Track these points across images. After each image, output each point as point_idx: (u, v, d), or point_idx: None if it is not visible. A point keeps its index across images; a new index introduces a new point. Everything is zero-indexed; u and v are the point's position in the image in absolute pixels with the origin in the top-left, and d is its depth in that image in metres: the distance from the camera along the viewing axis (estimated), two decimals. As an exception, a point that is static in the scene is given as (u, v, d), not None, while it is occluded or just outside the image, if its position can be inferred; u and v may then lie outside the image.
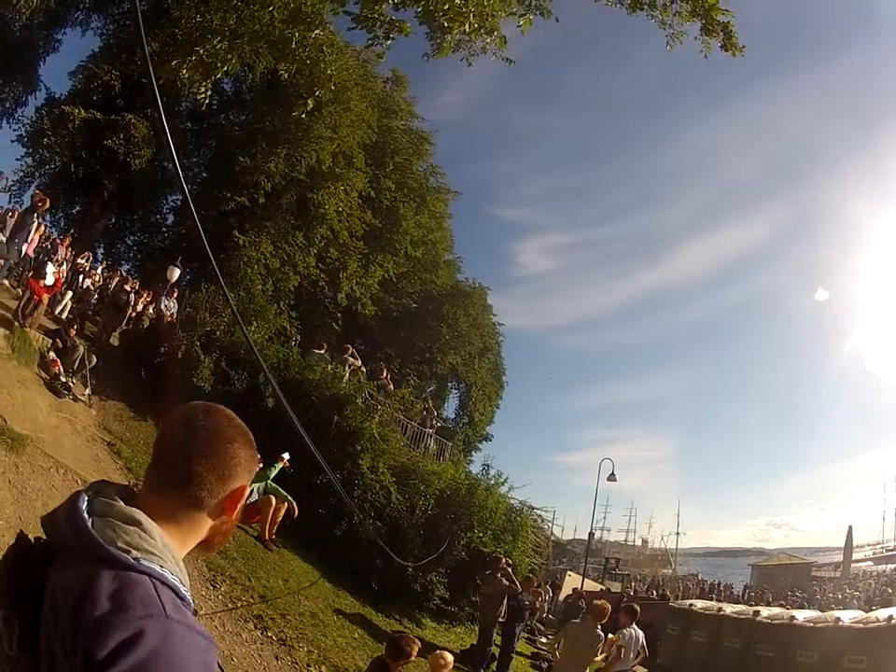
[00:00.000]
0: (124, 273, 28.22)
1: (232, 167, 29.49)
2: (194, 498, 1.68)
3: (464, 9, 8.10)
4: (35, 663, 1.46)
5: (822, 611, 20.95)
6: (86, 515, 1.55)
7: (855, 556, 60.80)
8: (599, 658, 11.40)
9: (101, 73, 30.28)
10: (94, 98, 30.63)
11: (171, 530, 1.65)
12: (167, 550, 1.59)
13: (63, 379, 15.10)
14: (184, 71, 9.05)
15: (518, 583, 16.25)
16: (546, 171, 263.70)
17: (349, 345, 23.83)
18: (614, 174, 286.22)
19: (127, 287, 23.14)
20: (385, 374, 24.74)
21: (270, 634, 10.07)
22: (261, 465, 14.06)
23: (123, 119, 28.80)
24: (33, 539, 1.63)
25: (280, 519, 14.74)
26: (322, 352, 21.70)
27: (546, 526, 29.96)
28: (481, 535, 18.43)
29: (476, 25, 8.31)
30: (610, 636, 11.79)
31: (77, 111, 28.38)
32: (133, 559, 1.50)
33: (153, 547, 1.55)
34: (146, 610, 1.43)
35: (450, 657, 9.31)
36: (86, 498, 1.60)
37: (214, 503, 1.71)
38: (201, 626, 1.53)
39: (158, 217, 36.89)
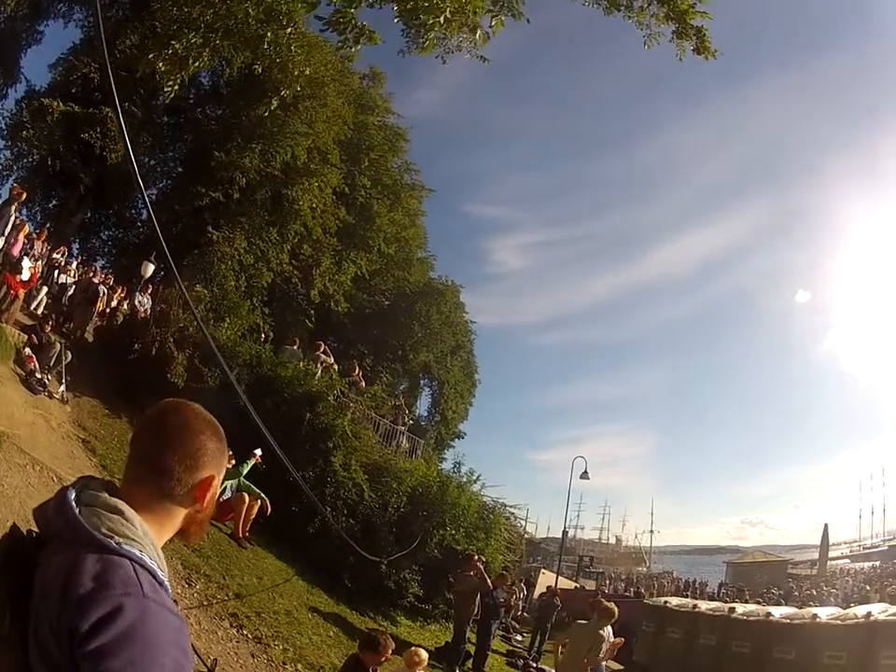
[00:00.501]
0: (99, 269, 28.02)
1: (208, 162, 29.40)
2: (165, 489, 1.79)
3: (444, 7, 8.08)
4: (25, 645, 1.54)
5: (799, 608, 21.04)
6: (74, 504, 1.65)
7: (831, 554, 61.19)
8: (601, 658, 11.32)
9: (80, 65, 30.19)
10: (73, 91, 30.47)
11: (148, 520, 1.74)
12: (147, 537, 1.69)
13: (39, 375, 14.98)
14: (160, 64, 8.99)
15: (492, 581, 16.31)
16: (520, 169, 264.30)
17: (321, 342, 23.83)
18: (589, 173, 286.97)
19: (96, 280, 23.01)
20: (357, 371, 24.74)
21: (245, 632, 10.06)
22: (233, 462, 14.03)
23: (100, 112, 28.62)
24: (25, 531, 1.71)
25: (253, 516, 14.70)
26: (294, 348, 21.68)
27: (519, 524, 30.08)
28: (453, 532, 18.45)
29: (459, 23, 8.29)
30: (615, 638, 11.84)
31: (55, 104, 28.26)
32: (116, 543, 1.61)
33: (134, 534, 1.66)
34: (125, 589, 1.53)
35: (425, 654, 9.34)
36: (74, 491, 1.70)
37: (184, 492, 1.82)
38: (175, 608, 1.64)
39: (133, 212, 36.51)
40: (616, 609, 11.68)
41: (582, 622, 12.03)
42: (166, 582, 1.68)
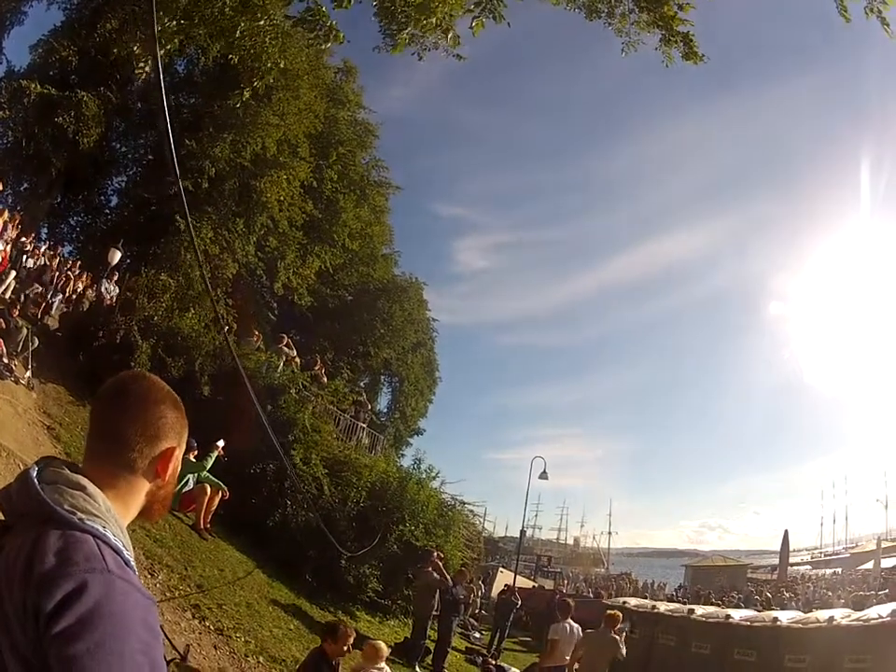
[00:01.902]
0: (65, 255, 27.81)
1: (179, 150, 28.80)
2: (126, 461, 1.76)
3: (422, 6, 8.06)
4: None
5: (759, 612, 21.23)
6: (37, 482, 1.62)
7: (791, 560, 61.74)
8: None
9: (60, 48, 29.81)
10: (51, 73, 30.05)
11: (111, 496, 1.70)
12: (110, 514, 1.65)
13: (6, 360, 14.85)
14: (135, 48, 8.95)
15: (451, 576, 16.36)
16: (489, 171, 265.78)
17: (284, 335, 23.79)
18: (558, 177, 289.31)
19: (54, 265, 22.88)
20: (318, 366, 24.76)
21: (208, 623, 10.00)
22: (196, 454, 13.97)
23: (76, 96, 28.36)
24: None
25: (214, 508, 14.64)
26: (254, 339, 21.61)
27: (478, 522, 30.05)
28: (412, 528, 18.47)
29: (433, 23, 8.28)
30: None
31: (33, 86, 27.86)
32: (78, 519, 1.56)
33: (97, 510, 1.62)
34: (88, 565, 1.48)
35: (384, 647, 9.36)
36: (36, 469, 1.68)
37: (146, 465, 1.79)
38: (143, 587, 1.58)
39: (102, 198, 36.27)
40: (620, 616, 12.24)
41: (591, 630, 12.60)
42: (132, 562, 1.64)
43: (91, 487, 1.65)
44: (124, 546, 1.63)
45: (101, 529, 1.58)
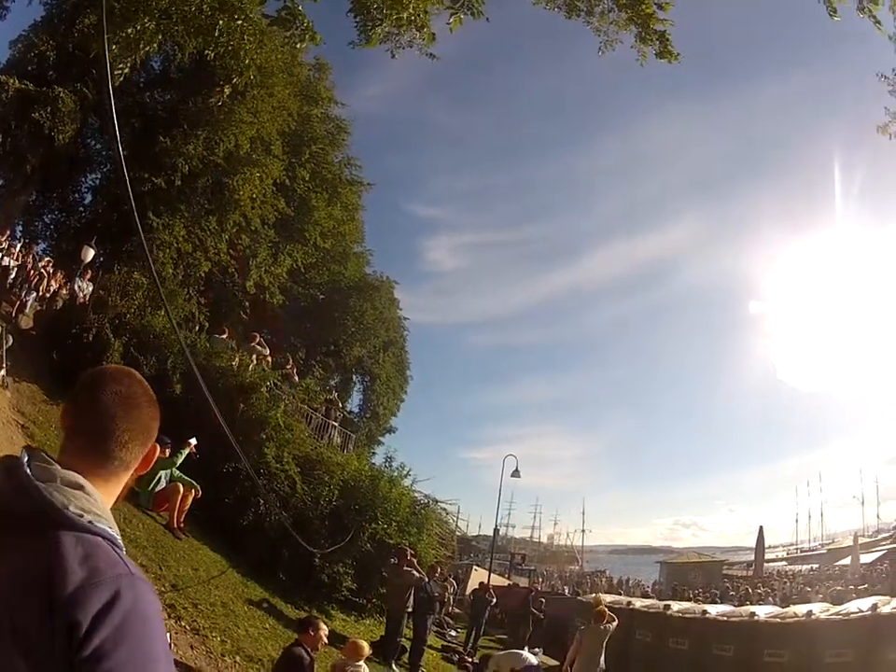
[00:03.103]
0: (39, 253, 27.62)
1: (152, 147, 28.91)
2: (119, 460, 1.77)
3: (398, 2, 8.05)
4: None
5: (736, 608, 21.35)
6: (35, 481, 1.56)
7: (767, 556, 62.12)
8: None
9: (39, 43, 29.65)
10: (29, 69, 29.83)
11: (102, 492, 1.70)
12: (108, 512, 1.65)
13: (-19, 359, 14.74)
14: (114, 47, 8.88)
15: (423, 571, 16.42)
16: (462, 170, 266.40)
17: (257, 333, 23.76)
18: (532, 176, 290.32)
19: (28, 263, 22.77)
20: (290, 364, 24.76)
21: (183, 623, 9.96)
22: (169, 452, 13.91)
23: (53, 91, 28.15)
24: None
25: (188, 507, 14.57)
26: (225, 337, 21.55)
27: (451, 520, 30.11)
28: (385, 527, 18.48)
29: (406, 18, 8.26)
30: None
31: (11, 81, 27.59)
32: (88, 522, 1.54)
33: (100, 510, 1.61)
34: (114, 571, 1.49)
35: (366, 645, 9.41)
36: (25, 463, 1.61)
37: (137, 462, 1.83)
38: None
39: (76, 195, 35.92)
40: (607, 610, 12.98)
41: (583, 627, 13.95)
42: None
43: (88, 486, 1.63)
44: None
45: (109, 531, 1.59)
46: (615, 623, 13.50)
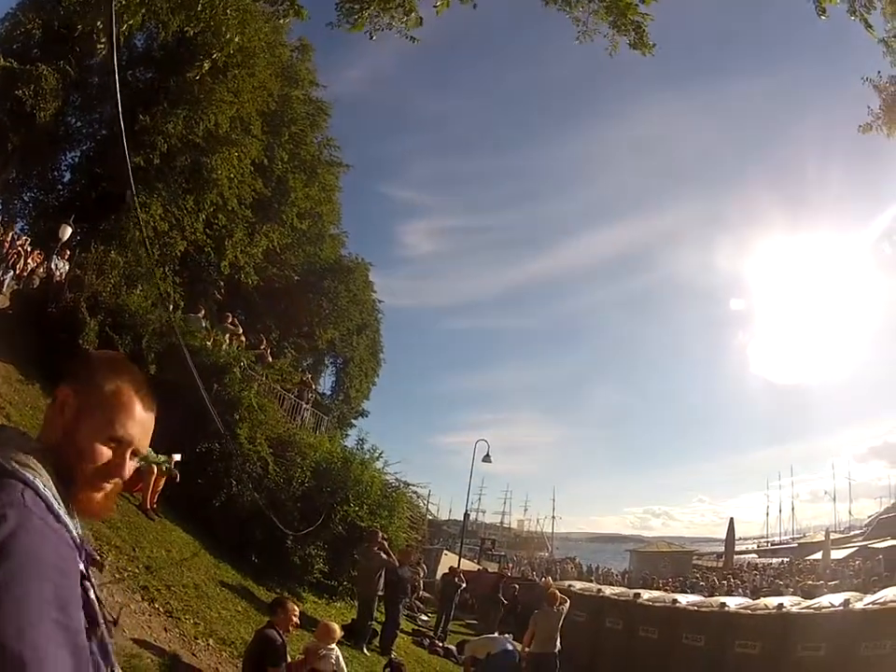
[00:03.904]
0: (17, 232, 27.32)
1: (132, 125, 28.47)
2: None
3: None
4: None
5: (706, 598, 21.51)
6: None
7: (738, 548, 62.61)
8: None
9: (25, 21, 29.57)
10: (14, 47, 29.71)
11: None
12: (40, 468, 1.63)
13: (-43, 338, 14.65)
14: (98, 23, 8.81)
15: (397, 556, 16.48)
16: (441, 154, 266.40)
17: (230, 314, 23.69)
18: (510, 163, 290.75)
19: (6, 241, 22.56)
20: (264, 345, 24.71)
21: (157, 605, 9.92)
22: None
23: (36, 69, 28.00)
24: None
25: (161, 488, 14.51)
26: (200, 316, 21.48)
27: (422, 504, 30.14)
28: (357, 509, 18.44)
29: (397, 2, 8.21)
30: None
31: (-4, 59, 27.31)
32: (11, 468, 1.56)
33: (34, 465, 1.62)
34: (8, 499, 1.48)
35: (337, 628, 9.45)
36: None
37: None
38: (68, 538, 1.59)
39: (55, 173, 35.61)
40: (558, 593, 13.31)
41: (538, 611, 14.20)
42: (65, 518, 1.61)
43: (41, 453, 1.66)
44: (56, 500, 1.62)
45: (31, 478, 1.58)
46: (567, 605, 13.89)
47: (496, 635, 14.58)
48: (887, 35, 8.98)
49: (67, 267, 21.04)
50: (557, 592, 14.38)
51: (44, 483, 1.61)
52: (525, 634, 13.97)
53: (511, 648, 13.12)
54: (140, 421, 1.89)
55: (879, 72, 10.37)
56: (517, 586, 25.93)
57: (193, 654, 9.41)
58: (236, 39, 9.92)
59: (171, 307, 23.75)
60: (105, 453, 1.82)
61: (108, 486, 1.86)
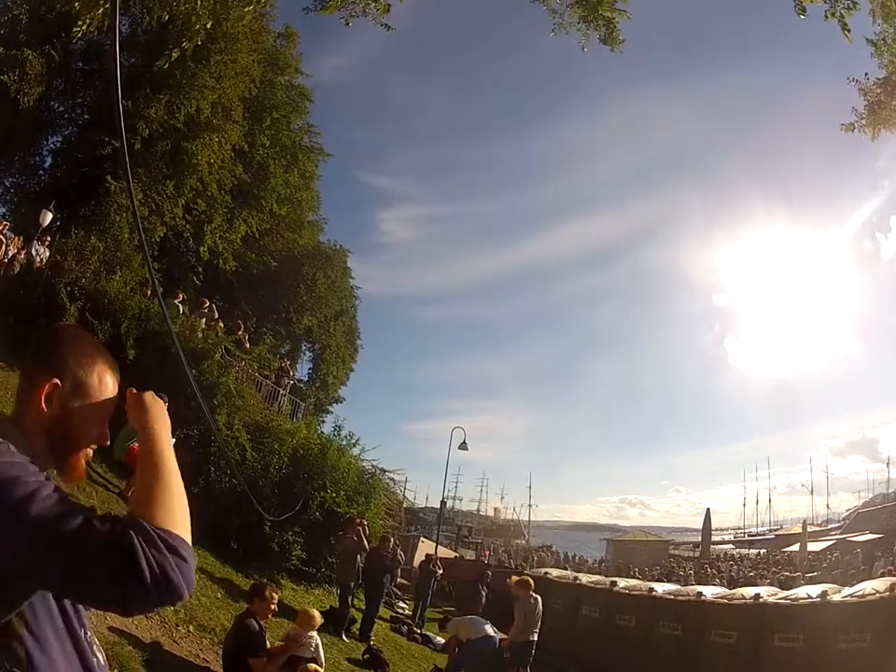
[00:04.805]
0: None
1: (115, 110, 28.22)
2: None
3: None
4: None
5: (682, 587, 21.63)
6: None
7: (714, 539, 62.98)
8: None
9: (13, 6, 29.30)
10: (2, 32, 29.49)
11: None
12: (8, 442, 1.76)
13: (-64, 325, 14.56)
14: (76, 4, 8.76)
15: (375, 543, 16.55)
16: (421, 143, 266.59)
17: (207, 300, 23.67)
18: (491, 153, 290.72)
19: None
20: (241, 331, 24.69)
21: (138, 593, 9.90)
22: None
23: (22, 54, 27.81)
24: None
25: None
26: (177, 301, 21.45)
27: (398, 490, 30.24)
28: (334, 495, 18.55)
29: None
30: None
31: (-18, 46, 27.14)
32: None
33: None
34: None
35: (318, 615, 9.49)
36: None
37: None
38: (32, 469, 1.69)
39: (37, 158, 35.22)
40: (531, 582, 13.35)
41: (520, 598, 13.82)
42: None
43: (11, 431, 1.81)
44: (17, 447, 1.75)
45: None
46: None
47: (479, 617, 14.58)
48: (876, 37, 9.05)
49: (48, 253, 20.92)
50: (528, 578, 14.69)
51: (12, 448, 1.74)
52: (501, 620, 14.10)
53: (493, 634, 13.25)
54: (114, 390, 2.06)
55: (867, 73, 10.44)
56: (489, 573, 26.01)
57: (174, 641, 9.44)
58: (206, 28, 9.84)
59: (150, 293, 23.71)
60: (96, 430, 2.02)
61: (91, 451, 2.04)
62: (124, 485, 14.03)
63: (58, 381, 1.90)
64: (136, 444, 13.97)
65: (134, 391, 2.09)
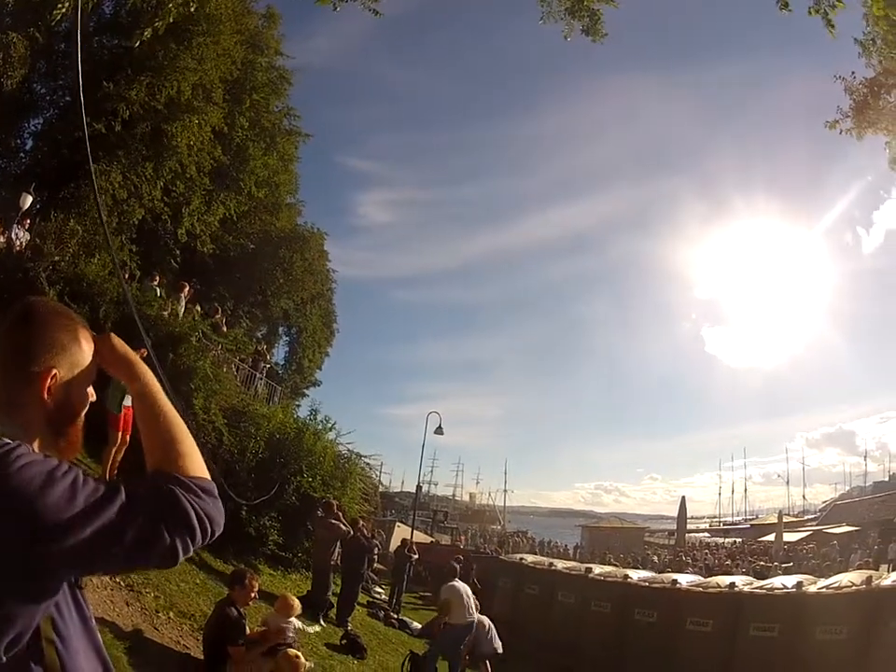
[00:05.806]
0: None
1: (96, 92, 28.06)
2: None
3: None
4: None
5: (658, 574, 21.75)
6: None
7: (690, 527, 63.40)
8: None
9: None
10: None
11: None
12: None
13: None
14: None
15: (349, 524, 16.60)
16: (402, 126, 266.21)
17: (185, 283, 23.58)
18: (471, 137, 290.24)
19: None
20: (219, 314, 24.65)
21: (118, 579, 9.94)
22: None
23: (6, 37, 27.49)
24: None
25: (120, 459, 14.48)
26: (154, 284, 21.40)
27: (374, 475, 30.32)
28: (310, 480, 18.58)
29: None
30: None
31: (-34, 29, 26.83)
32: None
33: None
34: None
35: (297, 602, 9.56)
36: None
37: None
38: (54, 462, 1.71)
39: (18, 140, 34.62)
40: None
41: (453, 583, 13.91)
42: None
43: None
44: None
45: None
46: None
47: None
48: (864, 38, 9.13)
49: (28, 236, 20.83)
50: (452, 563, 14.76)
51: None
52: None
53: (472, 620, 13.30)
54: (92, 344, 2.08)
55: (854, 73, 10.53)
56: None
57: (155, 628, 9.48)
58: (180, 7, 9.80)
59: (127, 276, 23.61)
60: (89, 396, 2.08)
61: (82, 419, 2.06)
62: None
63: (55, 369, 1.91)
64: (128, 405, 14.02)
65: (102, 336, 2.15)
